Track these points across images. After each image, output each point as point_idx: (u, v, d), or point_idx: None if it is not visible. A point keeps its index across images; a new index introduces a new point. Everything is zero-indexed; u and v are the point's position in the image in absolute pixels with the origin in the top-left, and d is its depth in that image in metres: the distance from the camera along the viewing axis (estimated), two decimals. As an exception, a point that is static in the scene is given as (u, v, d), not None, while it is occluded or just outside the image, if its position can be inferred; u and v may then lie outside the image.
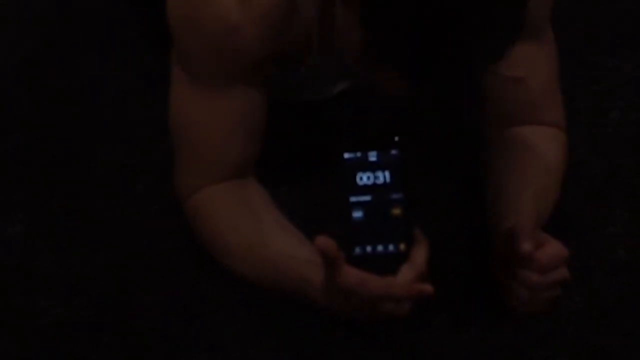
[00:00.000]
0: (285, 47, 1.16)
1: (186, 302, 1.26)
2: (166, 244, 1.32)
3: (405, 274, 1.03)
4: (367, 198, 1.04)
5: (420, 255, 1.03)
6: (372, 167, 1.04)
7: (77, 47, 1.61)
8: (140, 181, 1.41)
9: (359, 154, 1.05)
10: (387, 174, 1.04)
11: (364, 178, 1.04)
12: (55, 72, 1.58)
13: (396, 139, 1.05)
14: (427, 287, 1.03)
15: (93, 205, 1.38)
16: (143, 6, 1.55)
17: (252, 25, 1.11)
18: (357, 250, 1.03)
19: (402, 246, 1.03)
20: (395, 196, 1.04)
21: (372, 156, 1.05)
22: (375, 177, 1.04)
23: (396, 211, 1.04)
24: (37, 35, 1.64)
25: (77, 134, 1.48)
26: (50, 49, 1.62)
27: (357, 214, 1.04)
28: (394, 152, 1.04)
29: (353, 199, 1.04)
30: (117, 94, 1.54)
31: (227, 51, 1.13)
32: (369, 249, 1.03)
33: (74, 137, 1.48)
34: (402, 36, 0.91)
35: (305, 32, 1.16)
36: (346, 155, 1.05)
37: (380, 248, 1.03)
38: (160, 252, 1.31)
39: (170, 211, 1.29)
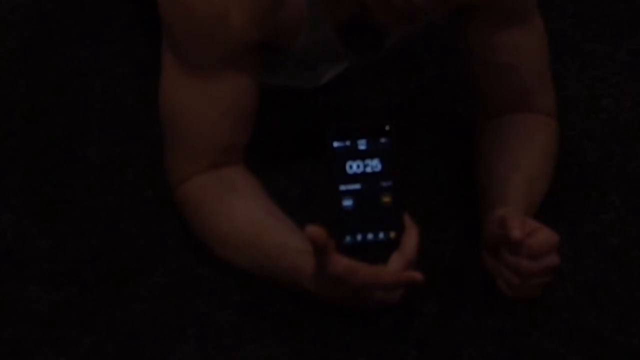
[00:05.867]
0: (274, 31, 1.16)
1: (179, 288, 1.26)
2: (159, 230, 1.32)
3: (396, 262, 1.03)
4: (356, 187, 1.04)
5: (410, 242, 1.04)
6: (362, 156, 1.04)
7: (70, 33, 1.61)
8: (132, 167, 1.41)
9: (348, 143, 1.04)
10: (376, 162, 1.04)
11: (353, 167, 1.04)
12: (47, 58, 1.58)
13: (386, 127, 1.04)
14: (417, 275, 1.03)
15: (85, 191, 1.38)
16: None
17: (241, 10, 1.11)
18: (348, 238, 1.03)
19: (392, 234, 1.03)
20: (385, 184, 1.04)
21: (362, 145, 1.04)
22: (365, 166, 1.04)
23: (386, 199, 1.04)
24: (29, 22, 1.64)
25: (70, 120, 1.48)
26: (42, 35, 1.62)
27: (347, 203, 1.04)
28: (383, 140, 1.04)
29: (343, 187, 1.04)
30: (110, 80, 1.54)
31: (217, 36, 1.13)
32: (359, 237, 1.03)
33: (66, 123, 1.48)
34: None
35: (295, 15, 1.16)
36: (336, 144, 1.04)
37: (370, 236, 1.03)
38: (152, 238, 1.31)
39: (163, 197, 1.30)
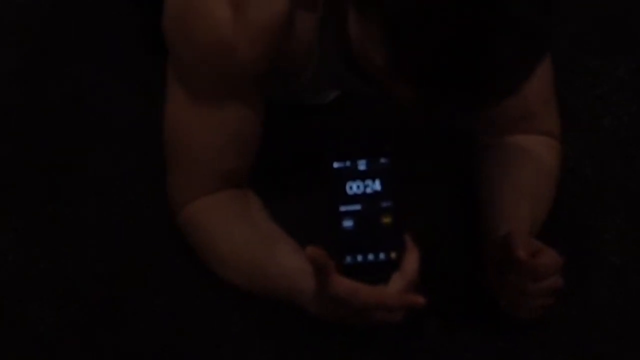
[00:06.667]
0: (281, 63, 1.16)
1: (180, 308, 1.26)
2: (160, 250, 1.31)
3: (397, 283, 1.03)
4: (357, 207, 1.03)
5: (411, 263, 1.03)
6: (362, 176, 1.04)
7: (70, 53, 1.61)
8: (133, 187, 1.40)
9: (348, 163, 1.04)
10: (377, 182, 1.04)
11: (353, 187, 1.04)
12: (47, 77, 1.57)
13: (386, 147, 1.04)
14: (419, 298, 1.02)
15: (86, 211, 1.38)
16: (140, 12, 1.54)
17: (247, 45, 1.10)
18: (348, 259, 1.03)
19: (392, 254, 1.03)
20: (385, 204, 1.03)
21: (362, 165, 1.04)
22: (365, 186, 1.04)
23: (386, 219, 1.03)
24: (29, 42, 1.63)
25: (70, 139, 1.48)
26: (43, 54, 1.61)
27: (347, 223, 1.03)
28: (383, 160, 1.04)
29: (343, 208, 1.03)
30: (110, 99, 1.53)
31: (223, 69, 1.13)
32: (359, 257, 1.03)
33: (66, 143, 1.47)
34: (426, 59, 0.89)
35: (303, 46, 1.16)
36: (335, 165, 1.04)
37: (371, 257, 1.03)
38: (153, 258, 1.31)
39: (164, 216, 1.29)
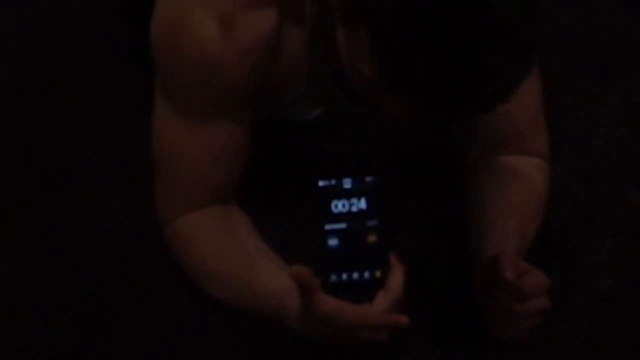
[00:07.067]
0: (270, 79, 1.16)
1: (171, 323, 1.26)
2: (151, 264, 1.31)
3: (381, 302, 1.03)
4: (342, 226, 1.04)
5: (396, 281, 1.03)
6: (347, 195, 1.04)
7: (63, 66, 1.60)
8: (124, 200, 1.40)
9: (333, 182, 1.04)
10: (362, 201, 1.04)
11: (338, 206, 1.04)
12: (40, 91, 1.57)
13: (372, 165, 1.05)
14: (403, 318, 1.02)
15: (77, 224, 1.38)
16: (132, 24, 1.55)
17: (236, 61, 1.10)
18: (333, 277, 1.03)
19: (377, 273, 1.03)
20: (370, 223, 1.04)
21: (347, 183, 1.04)
22: (350, 205, 1.04)
23: (371, 238, 1.04)
24: (22, 54, 1.64)
25: (61, 152, 1.48)
26: (35, 68, 1.61)
27: (333, 242, 1.03)
28: (368, 179, 1.04)
29: (328, 227, 1.04)
30: (102, 112, 1.53)
31: (211, 86, 1.13)
32: (344, 276, 1.03)
33: (57, 155, 1.48)
34: (416, 68, 0.90)
35: (292, 62, 1.16)
36: (321, 183, 1.04)
37: (355, 275, 1.03)
38: (144, 272, 1.31)
39: (155, 231, 1.28)
